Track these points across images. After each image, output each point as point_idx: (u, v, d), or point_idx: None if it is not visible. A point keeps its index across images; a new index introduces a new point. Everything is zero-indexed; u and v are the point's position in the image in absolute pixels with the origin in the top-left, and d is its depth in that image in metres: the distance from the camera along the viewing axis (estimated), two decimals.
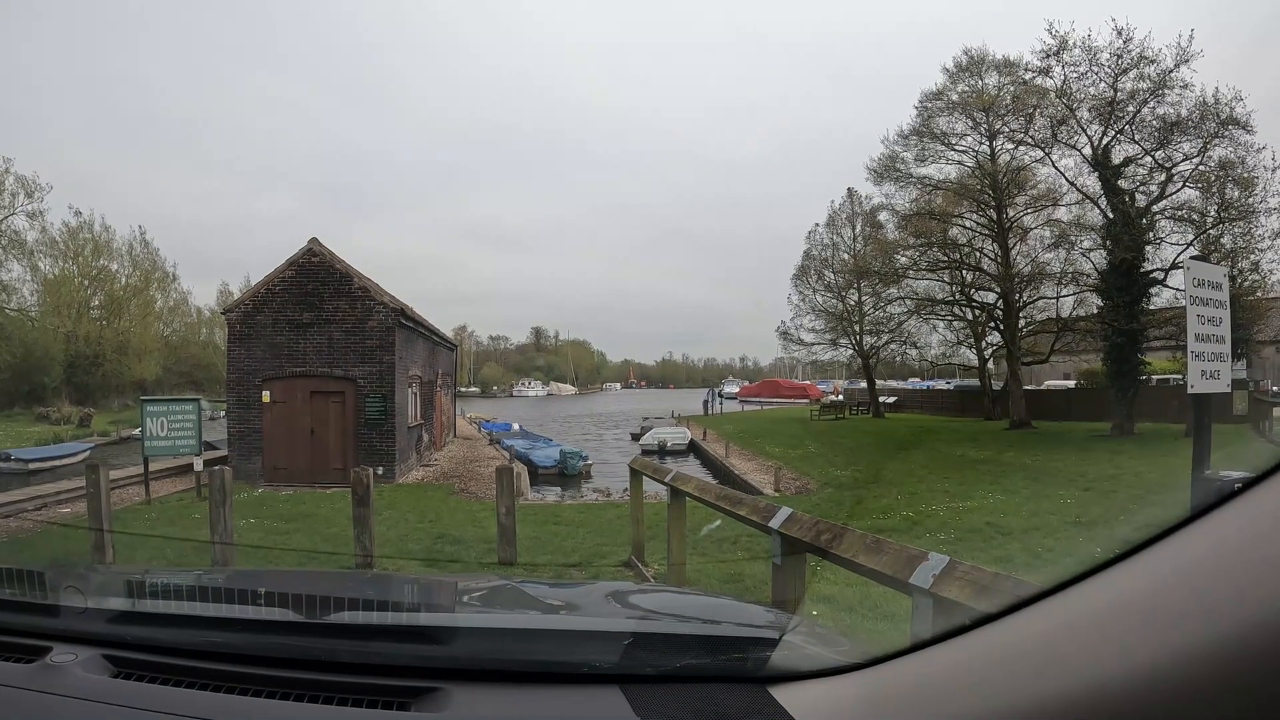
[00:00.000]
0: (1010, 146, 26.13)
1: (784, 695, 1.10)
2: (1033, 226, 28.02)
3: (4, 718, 1.08)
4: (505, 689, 1.11)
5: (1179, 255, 21.45)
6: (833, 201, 40.33)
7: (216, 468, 8.20)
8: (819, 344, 40.04)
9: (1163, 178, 22.15)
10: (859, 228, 37.73)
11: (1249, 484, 0.64)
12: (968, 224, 28.94)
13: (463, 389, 65.87)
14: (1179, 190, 22.30)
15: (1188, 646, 0.60)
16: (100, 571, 2.82)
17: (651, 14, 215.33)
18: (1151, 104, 21.56)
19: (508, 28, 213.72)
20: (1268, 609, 0.55)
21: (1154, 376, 24.67)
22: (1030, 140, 24.78)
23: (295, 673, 1.14)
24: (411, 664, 1.16)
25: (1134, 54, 21.42)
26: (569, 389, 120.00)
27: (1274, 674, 0.55)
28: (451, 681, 1.11)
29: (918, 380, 55.49)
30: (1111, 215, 22.48)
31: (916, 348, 36.55)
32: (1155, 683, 0.61)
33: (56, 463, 22.47)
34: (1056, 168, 25.17)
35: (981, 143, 27.11)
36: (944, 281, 31.00)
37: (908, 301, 32.61)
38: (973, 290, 30.18)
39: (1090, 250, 25.22)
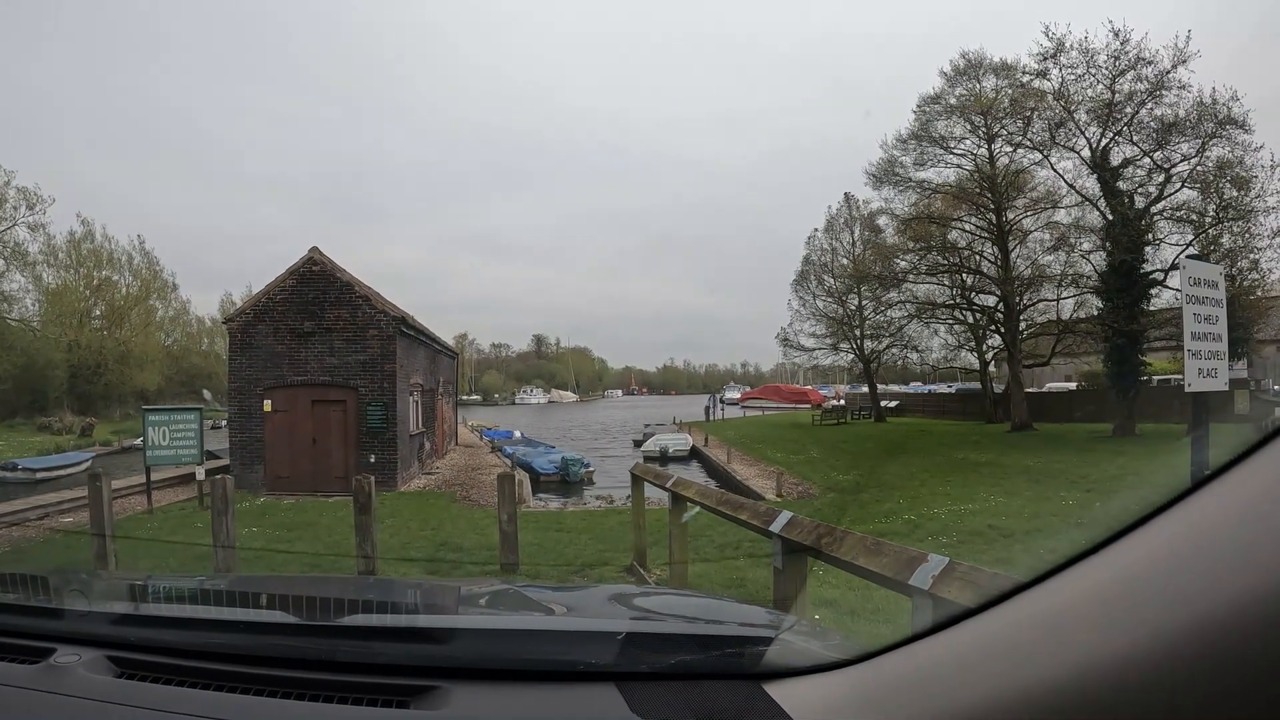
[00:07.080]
0: (1009, 149, 26.17)
1: (778, 691, 1.11)
2: (1032, 229, 28.03)
3: (8, 717, 1.09)
4: (502, 687, 1.12)
5: (1178, 256, 21.38)
6: (829, 207, 40.52)
7: (218, 476, 8.21)
8: (820, 349, 40.08)
9: (1161, 178, 22.17)
10: (858, 232, 37.83)
11: (1222, 469, 0.65)
12: (967, 227, 28.94)
13: (464, 397, 66.04)
14: (1178, 191, 22.34)
15: (1165, 630, 0.61)
16: (103, 576, 2.83)
17: (650, 23, 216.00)
18: (1149, 105, 21.60)
19: (507, 44, 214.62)
20: (1240, 590, 0.57)
21: (1155, 377, 24.67)
22: (1029, 143, 24.81)
23: (296, 672, 1.15)
24: (411, 663, 1.17)
25: (1131, 55, 21.49)
26: (570, 396, 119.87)
27: (1247, 654, 0.56)
28: (450, 680, 1.12)
29: (919, 384, 55.53)
30: (1111, 217, 22.50)
31: (917, 351, 36.53)
32: (1135, 666, 0.62)
33: (62, 472, 22.61)
34: (1055, 170, 25.20)
35: (980, 146, 27.11)
36: (944, 285, 31.00)
37: (908, 305, 32.59)
38: (973, 293, 30.14)
39: (1090, 252, 25.21)
